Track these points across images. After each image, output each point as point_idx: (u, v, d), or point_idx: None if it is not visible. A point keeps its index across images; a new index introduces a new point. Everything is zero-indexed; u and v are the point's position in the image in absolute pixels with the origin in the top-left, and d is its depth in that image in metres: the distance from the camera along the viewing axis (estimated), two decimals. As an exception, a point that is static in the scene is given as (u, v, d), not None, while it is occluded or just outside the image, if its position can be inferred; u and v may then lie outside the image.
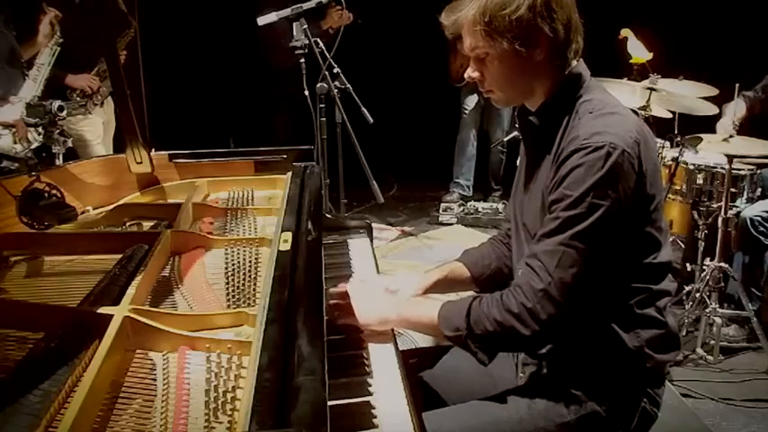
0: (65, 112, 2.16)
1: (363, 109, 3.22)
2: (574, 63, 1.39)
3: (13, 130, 2.42)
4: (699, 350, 2.91)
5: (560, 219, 1.27)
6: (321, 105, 3.24)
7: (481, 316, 1.30)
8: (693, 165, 3.13)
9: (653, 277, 1.38)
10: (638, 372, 1.38)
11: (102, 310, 1.17)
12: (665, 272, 1.41)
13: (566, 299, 1.26)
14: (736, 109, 3.06)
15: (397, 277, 1.66)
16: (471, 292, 1.52)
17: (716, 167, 3.08)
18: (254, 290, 1.37)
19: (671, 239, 3.55)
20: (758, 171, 3.07)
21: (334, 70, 3.22)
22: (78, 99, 3.69)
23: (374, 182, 3.11)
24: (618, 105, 1.37)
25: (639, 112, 3.05)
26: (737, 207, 3.04)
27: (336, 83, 3.21)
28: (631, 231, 1.32)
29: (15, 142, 2.45)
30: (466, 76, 1.44)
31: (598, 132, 1.27)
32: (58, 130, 2.24)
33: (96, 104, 3.83)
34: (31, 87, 2.89)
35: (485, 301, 1.32)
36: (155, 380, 1.07)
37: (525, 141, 1.53)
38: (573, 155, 1.28)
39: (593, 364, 1.38)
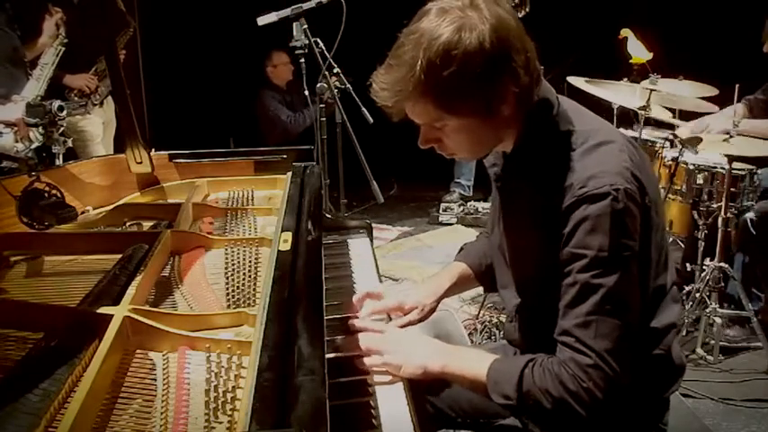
0: (65, 112, 2.16)
1: (363, 109, 3.22)
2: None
3: (15, 128, 2.42)
4: (699, 350, 2.91)
5: (579, 283, 1.15)
6: (321, 105, 3.24)
7: (533, 388, 1.18)
8: (693, 165, 3.13)
9: (659, 311, 1.29)
10: (645, 409, 1.33)
11: (102, 310, 1.17)
12: (670, 300, 1.31)
13: (619, 365, 1.15)
14: (735, 112, 3.06)
15: (407, 290, 1.60)
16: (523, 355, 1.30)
17: (716, 167, 3.08)
18: (254, 290, 1.37)
19: (671, 240, 3.55)
20: (758, 171, 3.07)
21: (335, 70, 3.23)
22: (77, 99, 3.69)
23: (374, 182, 3.11)
24: (600, 129, 1.25)
25: (639, 112, 3.05)
26: (737, 207, 3.04)
27: (336, 82, 3.21)
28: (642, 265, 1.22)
29: (17, 141, 2.45)
30: (420, 144, 1.26)
31: (593, 176, 1.15)
32: (58, 131, 2.24)
33: (95, 104, 3.84)
34: (34, 87, 2.91)
35: (537, 370, 1.19)
36: (155, 380, 1.07)
37: (497, 182, 1.42)
38: (574, 207, 1.16)
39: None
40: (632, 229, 1.16)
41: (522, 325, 1.41)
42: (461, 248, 1.70)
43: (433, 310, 1.56)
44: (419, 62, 1.11)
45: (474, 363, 1.27)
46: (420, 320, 1.54)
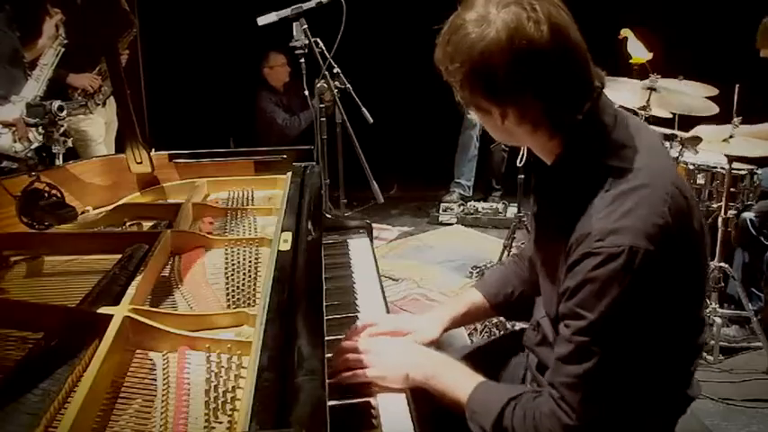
0: (65, 113, 2.17)
1: (363, 109, 3.22)
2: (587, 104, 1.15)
3: (14, 129, 2.42)
4: (699, 350, 2.91)
5: (574, 344, 1.09)
6: (321, 105, 3.24)
7: (509, 429, 1.16)
8: (693, 165, 3.13)
9: (691, 354, 1.25)
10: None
11: (102, 310, 1.17)
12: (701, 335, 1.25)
13: (602, 430, 1.11)
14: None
15: (408, 320, 1.54)
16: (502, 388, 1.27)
17: (716, 167, 3.08)
18: (254, 290, 1.37)
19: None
20: (758, 171, 3.07)
21: (335, 70, 3.23)
22: (80, 98, 3.70)
23: (374, 182, 3.11)
24: (644, 168, 1.12)
25: (639, 112, 3.05)
26: (737, 207, 3.04)
27: (336, 83, 3.21)
28: (676, 320, 1.15)
29: (15, 141, 2.45)
30: None
31: (615, 230, 1.05)
32: (59, 131, 2.24)
33: (98, 104, 3.84)
34: (34, 87, 2.92)
35: (518, 412, 1.16)
36: (155, 380, 1.07)
37: (536, 190, 1.34)
38: (584, 260, 1.07)
39: None
40: (645, 296, 1.07)
41: (543, 337, 1.36)
42: (483, 273, 1.64)
43: (434, 341, 1.47)
44: (448, 42, 1.13)
45: (457, 383, 1.25)
46: None
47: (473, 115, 1.30)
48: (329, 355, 1.24)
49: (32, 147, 2.44)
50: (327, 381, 1.02)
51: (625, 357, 1.09)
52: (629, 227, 1.06)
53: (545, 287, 1.30)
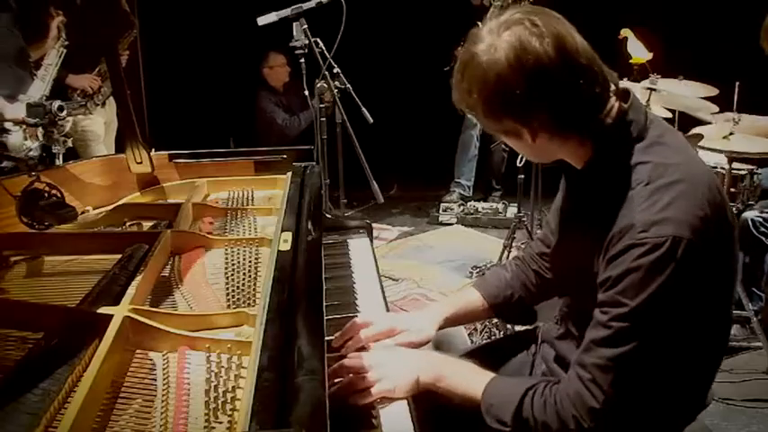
0: (65, 113, 2.16)
1: (363, 109, 3.22)
2: (611, 106, 1.19)
3: (24, 126, 2.43)
4: (699, 350, 2.90)
5: (612, 329, 1.10)
6: (321, 105, 3.25)
7: (531, 419, 1.17)
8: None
9: (719, 352, 1.26)
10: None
11: (102, 310, 1.17)
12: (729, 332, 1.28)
13: (624, 418, 1.13)
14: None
15: (404, 318, 1.52)
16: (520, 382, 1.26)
17: (716, 167, 3.08)
18: (254, 290, 1.37)
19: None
20: (758, 171, 3.07)
21: (335, 70, 3.23)
22: (79, 99, 3.70)
23: (374, 182, 3.12)
24: (682, 164, 1.15)
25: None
26: (737, 207, 3.04)
27: (336, 83, 3.22)
28: (712, 313, 1.17)
29: (26, 139, 2.47)
30: None
31: (657, 222, 1.08)
32: (59, 131, 2.24)
33: (97, 104, 3.85)
34: (40, 87, 2.94)
35: (537, 400, 1.18)
36: (155, 380, 1.07)
37: (568, 185, 1.37)
38: (628, 251, 1.09)
39: None
40: (686, 285, 1.09)
41: (566, 330, 1.37)
42: (483, 273, 1.64)
43: (428, 338, 1.46)
44: (462, 77, 1.17)
45: (467, 380, 1.26)
46: (415, 346, 1.42)
47: None
48: (329, 355, 1.24)
49: (42, 143, 2.45)
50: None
51: (661, 346, 1.11)
52: (671, 218, 1.08)
53: (570, 283, 1.31)
